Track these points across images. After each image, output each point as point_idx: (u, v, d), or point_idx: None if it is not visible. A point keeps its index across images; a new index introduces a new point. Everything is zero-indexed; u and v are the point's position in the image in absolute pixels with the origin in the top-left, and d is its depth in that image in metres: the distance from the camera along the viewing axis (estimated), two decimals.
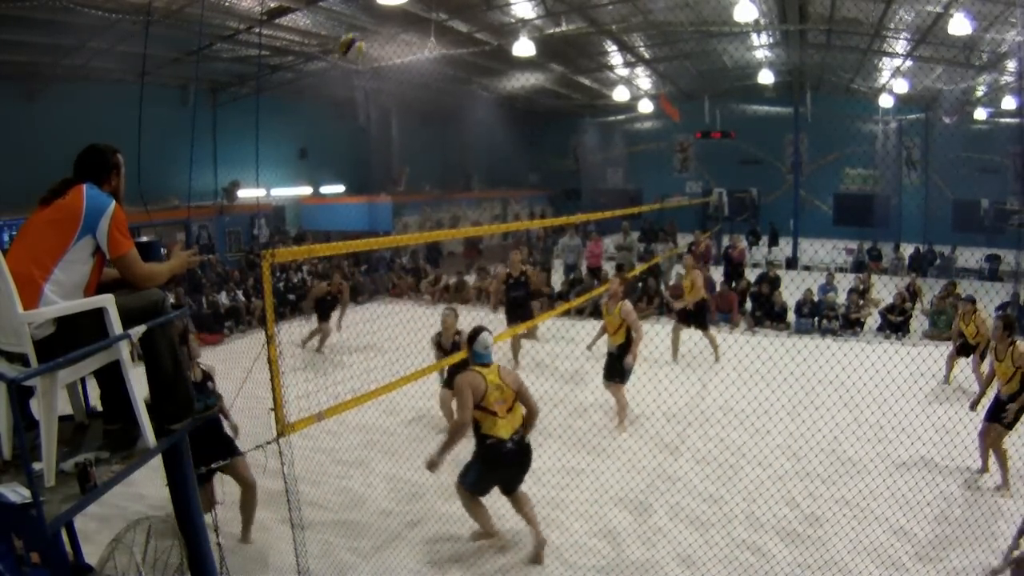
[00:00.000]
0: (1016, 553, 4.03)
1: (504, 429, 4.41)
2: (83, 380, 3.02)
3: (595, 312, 10.84)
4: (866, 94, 17.18)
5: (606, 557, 4.62)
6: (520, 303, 9.33)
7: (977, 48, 12.31)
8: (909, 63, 14.20)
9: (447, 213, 19.42)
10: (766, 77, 16.17)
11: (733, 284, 12.71)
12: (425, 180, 20.59)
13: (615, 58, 16.72)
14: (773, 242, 18.66)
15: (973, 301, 8.12)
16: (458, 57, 13.96)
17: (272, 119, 14.79)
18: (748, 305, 12.03)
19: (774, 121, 19.33)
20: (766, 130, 19.37)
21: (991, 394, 5.91)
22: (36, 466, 2.36)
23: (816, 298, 11.46)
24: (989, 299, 8.66)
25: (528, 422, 4.61)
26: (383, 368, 7.62)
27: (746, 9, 10.66)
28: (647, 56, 16.44)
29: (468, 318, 7.06)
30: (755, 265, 15.75)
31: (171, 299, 3.32)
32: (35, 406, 2.54)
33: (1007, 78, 13.63)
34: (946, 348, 8.53)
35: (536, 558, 4.54)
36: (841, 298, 11.65)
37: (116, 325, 2.60)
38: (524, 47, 12.69)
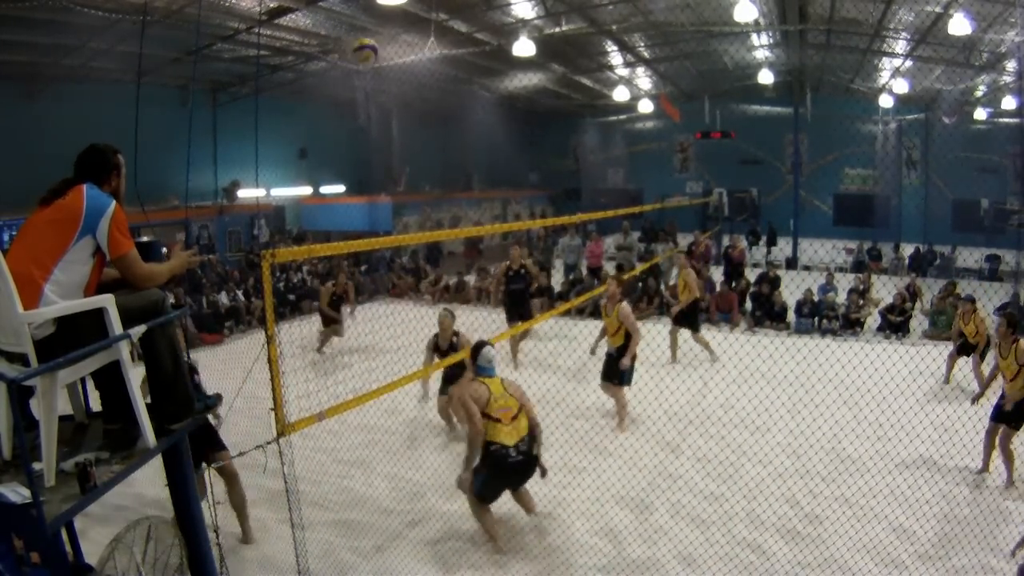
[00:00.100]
0: None
1: (508, 436, 4.48)
2: (83, 380, 3.01)
3: (595, 312, 10.84)
4: (866, 94, 17.16)
5: (607, 556, 4.62)
6: (520, 296, 9.41)
7: (977, 48, 12.32)
8: (909, 63, 14.20)
9: (447, 213, 19.40)
10: (766, 77, 16.16)
11: (733, 284, 12.73)
12: (425, 180, 20.58)
13: (615, 58, 16.71)
14: (771, 242, 18.65)
15: (973, 301, 8.14)
16: (458, 57, 13.97)
17: (272, 119, 14.79)
18: (748, 305, 12.05)
19: (774, 121, 19.32)
20: (766, 130, 19.35)
21: (993, 393, 5.91)
22: (36, 466, 2.36)
23: (816, 298, 11.46)
24: (989, 299, 8.66)
25: (535, 435, 4.66)
26: (384, 368, 7.63)
27: (746, 9, 10.66)
28: (647, 56, 16.43)
29: (469, 318, 7.07)
30: (755, 265, 15.76)
31: (171, 299, 3.31)
32: (35, 406, 2.54)
33: (1007, 78, 13.64)
34: (946, 348, 8.54)
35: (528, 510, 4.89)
36: (841, 298, 11.65)
37: (116, 325, 2.60)
38: (524, 47, 12.71)
